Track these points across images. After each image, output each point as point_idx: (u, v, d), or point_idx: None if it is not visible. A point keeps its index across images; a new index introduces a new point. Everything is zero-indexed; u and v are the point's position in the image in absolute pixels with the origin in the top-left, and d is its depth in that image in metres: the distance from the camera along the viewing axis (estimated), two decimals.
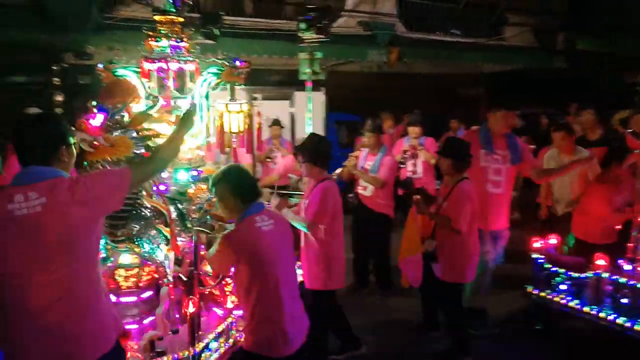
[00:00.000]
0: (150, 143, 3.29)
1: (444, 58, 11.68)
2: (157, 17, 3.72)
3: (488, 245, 4.54)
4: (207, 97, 3.99)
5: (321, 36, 5.27)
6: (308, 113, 5.61)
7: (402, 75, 12.72)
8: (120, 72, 3.88)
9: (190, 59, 3.77)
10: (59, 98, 8.40)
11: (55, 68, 8.58)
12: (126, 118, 3.34)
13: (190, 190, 3.78)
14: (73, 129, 2.93)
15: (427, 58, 11.52)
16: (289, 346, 2.69)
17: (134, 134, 3.23)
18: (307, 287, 3.86)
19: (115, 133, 3.20)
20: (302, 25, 5.09)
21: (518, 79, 12.89)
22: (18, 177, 2.13)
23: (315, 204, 3.70)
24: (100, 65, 3.93)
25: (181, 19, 3.79)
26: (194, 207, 3.65)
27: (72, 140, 2.28)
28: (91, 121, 3.09)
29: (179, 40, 3.75)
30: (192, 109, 2.81)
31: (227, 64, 3.84)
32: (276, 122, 7.32)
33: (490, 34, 12.90)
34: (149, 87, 3.78)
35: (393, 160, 5.47)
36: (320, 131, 9.85)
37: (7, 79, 8.76)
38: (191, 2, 3.89)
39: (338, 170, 5.65)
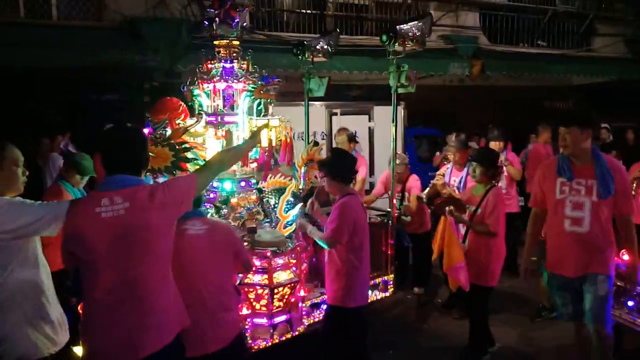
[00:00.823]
0: (188, 154, 3.61)
1: (529, 70, 11.21)
2: (217, 42, 4.08)
3: (565, 296, 3.64)
4: (250, 112, 4.26)
5: (415, 47, 5.03)
6: (392, 127, 5.45)
7: (485, 88, 12.35)
8: (196, 92, 4.29)
9: (238, 78, 4.06)
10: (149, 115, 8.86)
11: (146, 87, 9.06)
12: (168, 132, 3.69)
13: (234, 200, 4.13)
14: None
15: (511, 70, 11.10)
16: (199, 348, 2.70)
17: (175, 147, 3.58)
18: (328, 303, 3.78)
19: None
20: (384, 38, 4.83)
21: (611, 91, 12.14)
22: (105, 184, 2.40)
23: (334, 220, 3.58)
24: (184, 88, 4.37)
25: (236, 42, 4.11)
26: (234, 215, 4.00)
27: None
28: None
29: (229, 61, 4.06)
30: (258, 131, 3.27)
31: (258, 81, 4.13)
32: (342, 130, 7.31)
33: (579, 45, 12.28)
34: (208, 105, 4.12)
35: None
36: (399, 146, 9.73)
37: (102, 97, 9.35)
38: (248, 25, 4.09)
39: (425, 191, 5.50)
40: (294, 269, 3.99)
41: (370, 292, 4.54)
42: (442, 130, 10.39)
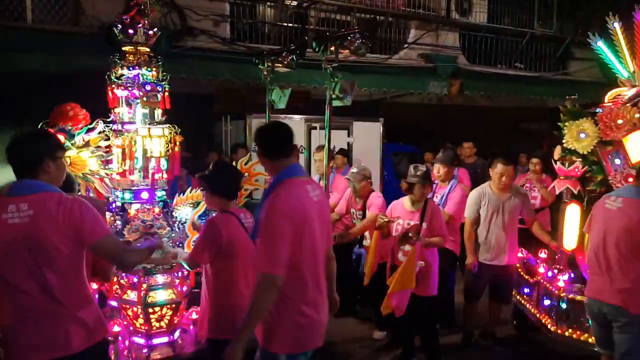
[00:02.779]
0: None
1: (506, 91, 11.38)
2: (124, 48, 4.01)
3: None
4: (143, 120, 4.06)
5: (349, 55, 4.46)
6: (326, 146, 4.83)
7: (462, 108, 12.49)
8: None
9: (134, 85, 3.92)
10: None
11: None
12: (79, 140, 3.67)
13: (131, 211, 3.96)
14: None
15: (488, 91, 11.25)
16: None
17: (89, 153, 3.63)
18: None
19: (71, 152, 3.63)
20: (314, 44, 4.42)
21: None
22: (12, 188, 2.41)
23: (198, 239, 3.32)
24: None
25: (147, 49, 4.02)
26: (129, 227, 3.85)
27: (60, 154, 2.54)
28: None
29: (131, 68, 3.95)
30: (156, 246, 3.13)
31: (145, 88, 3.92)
32: (341, 152, 7.30)
33: (556, 68, 12.52)
34: (120, 112, 4.02)
35: (462, 193, 5.20)
36: (377, 162, 9.73)
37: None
38: (152, 34, 4.02)
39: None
40: (180, 288, 3.76)
41: None
42: (420, 148, 10.45)
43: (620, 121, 4.04)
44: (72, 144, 3.63)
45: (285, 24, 9.82)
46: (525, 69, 12.14)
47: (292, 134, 2.74)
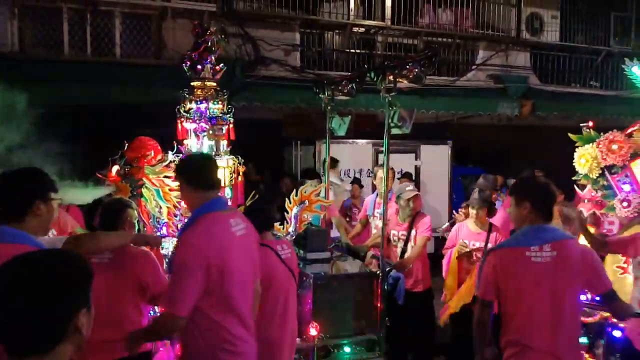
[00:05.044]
0: (143, 190, 3.82)
1: (580, 111, 10.97)
2: (193, 83, 4.15)
3: None
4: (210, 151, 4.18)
5: (412, 84, 4.50)
6: (384, 171, 4.98)
7: (534, 128, 12.15)
8: None
9: (202, 118, 4.05)
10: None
11: None
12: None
13: None
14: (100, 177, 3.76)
15: (562, 111, 10.90)
16: None
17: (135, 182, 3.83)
18: None
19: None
20: (372, 74, 4.44)
21: None
22: None
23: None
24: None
25: (213, 84, 4.17)
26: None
27: (52, 194, 2.26)
28: (112, 171, 3.82)
29: (199, 102, 4.08)
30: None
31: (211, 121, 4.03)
32: (406, 175, 7.31)
33: (635, 86, 11.98)
34: (189, 144, 4.18)
35: (504, 216, 5.05)
36: (445, 185, 9.66)
37: (157, 132, 9.78)
38: (218, 68, 4.16)
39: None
40: None
41: (349, 348, 4.07)
42: (491, 170, 10.25)
43: (614, 146, 4.08)
44: (124, 173, 3.89)
45: (353, 51, 10.06)
46: (602, 88, 11.68)
47: (217, 167, 2.78)
